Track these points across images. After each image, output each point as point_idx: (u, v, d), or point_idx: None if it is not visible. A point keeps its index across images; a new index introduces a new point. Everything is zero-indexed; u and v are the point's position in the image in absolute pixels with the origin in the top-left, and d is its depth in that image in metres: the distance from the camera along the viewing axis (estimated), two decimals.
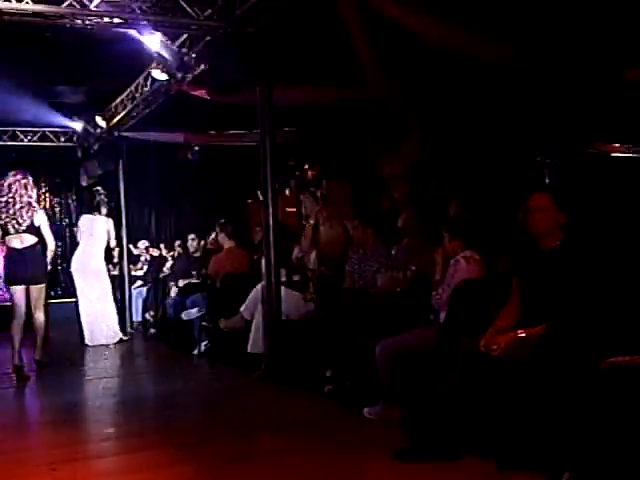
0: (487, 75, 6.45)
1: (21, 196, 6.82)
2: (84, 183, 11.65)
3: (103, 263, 9.45)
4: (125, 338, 9.51)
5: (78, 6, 6.17)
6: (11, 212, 6.79)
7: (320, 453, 4.07)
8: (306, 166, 9.49)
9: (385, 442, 4.24)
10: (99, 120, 10.31)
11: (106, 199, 9.50)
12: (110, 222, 9.39)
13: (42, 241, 6.94)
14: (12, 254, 6.92)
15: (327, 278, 6.50)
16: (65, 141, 12.10)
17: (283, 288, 6.37)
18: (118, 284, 10.88)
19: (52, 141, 12.09)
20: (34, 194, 6.99)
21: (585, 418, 3.11)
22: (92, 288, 9.26)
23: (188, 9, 6.51)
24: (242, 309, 6.68)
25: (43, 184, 13.36)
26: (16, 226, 6.80)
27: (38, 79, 8.84)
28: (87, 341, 9.11)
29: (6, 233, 6.89)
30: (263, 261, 6.39)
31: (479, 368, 3.53)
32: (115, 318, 9.46)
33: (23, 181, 6.89)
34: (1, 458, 4.16)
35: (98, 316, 9.20)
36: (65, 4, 6.17)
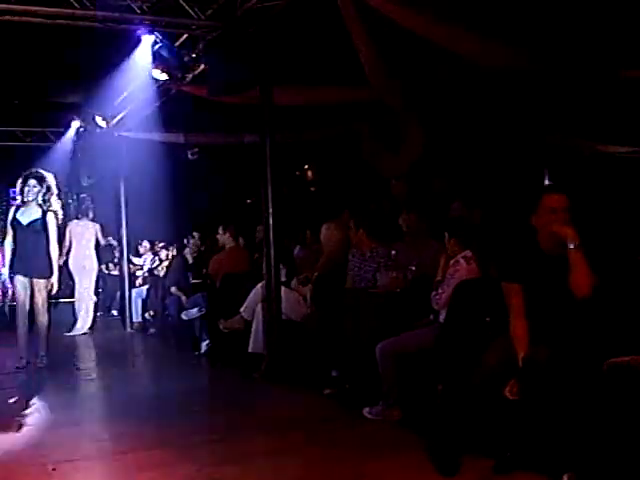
0: (488, 74, 6.44)
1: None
2: (84, 183, 11.70)
3: (96, 262, 10.25)
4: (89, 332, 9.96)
5: (78, 6, 6.16)
6: None
7: (320, 453, 4.07)
8: (306, 166, 9.49)
9: (385, 442, 4.25)
10: (99, 120, 10.31)
11: (92, 205, 10.36)
12: (97, 225, 10.23)
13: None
14: None
15: (327, 278, 6.49)
16: (65, 141, 12.09)
17: (283, 288, 6.36)
18: (119, 284, 10.93)
19: (52, 141, 12.08)
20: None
21: (586, 418, 3.11)
22: (87, 285, 10.04)
23: (188, 9, 6.51)
24: (242, 309, 6.67)
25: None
26: None
27: (38, 79, 8.84)
28: (78, 329, 9.77)
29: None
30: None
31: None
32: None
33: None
34: (1, 458, 4.15)
35: (89, 309, 10.07)
36: (65, 4, 6.16)
